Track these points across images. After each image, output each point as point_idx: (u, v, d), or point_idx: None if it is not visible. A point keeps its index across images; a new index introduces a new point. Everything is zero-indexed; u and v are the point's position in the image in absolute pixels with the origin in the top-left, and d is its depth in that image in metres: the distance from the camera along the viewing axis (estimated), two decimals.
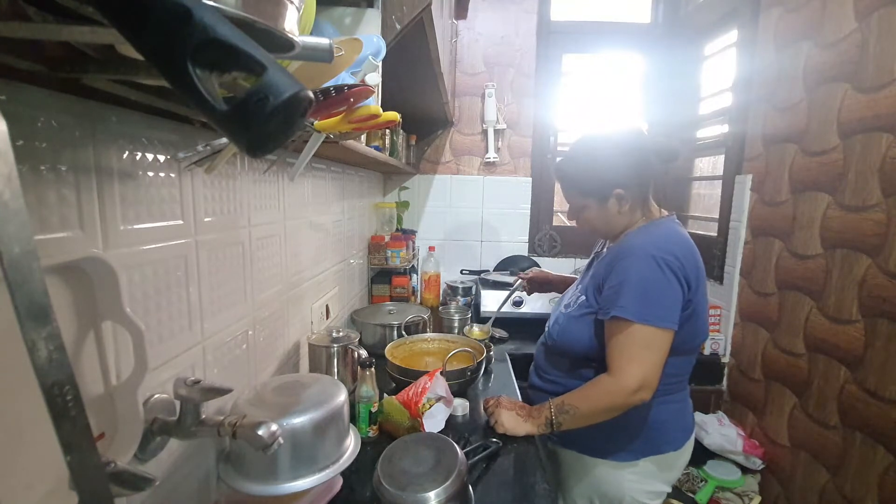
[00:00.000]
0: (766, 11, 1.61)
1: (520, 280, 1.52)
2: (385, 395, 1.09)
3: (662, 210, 1.09)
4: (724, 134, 1.88)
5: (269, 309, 0.97)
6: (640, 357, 0.91)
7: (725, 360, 1.77)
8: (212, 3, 0.25)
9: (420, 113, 1.86)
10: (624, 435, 1.02)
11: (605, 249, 1.14)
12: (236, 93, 0.37)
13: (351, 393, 0.88)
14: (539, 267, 2.27)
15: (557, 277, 1.47)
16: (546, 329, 1.18)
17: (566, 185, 1.08)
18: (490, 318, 1.59)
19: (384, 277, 1.95)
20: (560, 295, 1.36)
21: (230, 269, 0.81)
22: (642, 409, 0.98)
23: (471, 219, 2.34)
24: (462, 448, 0.79)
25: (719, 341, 1.76)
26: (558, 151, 2.33)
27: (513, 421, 1.02)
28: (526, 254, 2.35)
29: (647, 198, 1.06)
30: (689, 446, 1.09)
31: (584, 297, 1.05)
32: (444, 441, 0.80)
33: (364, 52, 0.66)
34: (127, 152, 0.56)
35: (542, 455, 1.00)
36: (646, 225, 1.04)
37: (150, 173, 0.60)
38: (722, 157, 1.87)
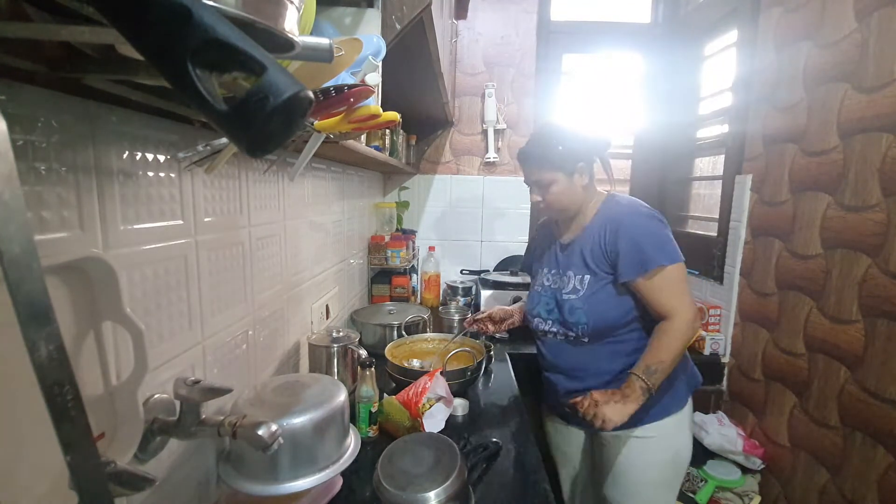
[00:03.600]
0: (766, 11, 1.61)
1: (471, 326, 1.38)
2: (385, 395, 1.09)
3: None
4: (724, 134, 1.88)
5: (269, 309, 0.97)
6: (684, 290, 1.06)
7: (725, 360, 1.77)
8: (212, 3, 0.25)
9: (420, 113, 1.86)
10: (679, 381, 1.13)
11: (564, 238, 1.21)
12: (236, 93, 0.37)
13: (351, 393, 0.88)
14: None
15: (514, 310, 1.39)
16: (552, 331, 1.17)
17: (535, 163, 1.14)
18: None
19: (384, 277, 1.95)
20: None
21: (230, 269, 0.81)
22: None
23: (471, 219, 2.34)
24: (462, 448, 0.79)
25: (719, 341, 1.76)
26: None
27: (618, 411, 1.01)
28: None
29: (594, 176, 1.19)
30: None
31: (589, 276, 1.11)
32: (444, 441, 0.80)
33: (364, 52, 0.66)
34: (127, 152, 0.56)
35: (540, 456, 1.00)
36: (609, 197, 1.19)
37: (150, 173, 0.60)
38: (722, 157, 1.87)
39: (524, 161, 1.17)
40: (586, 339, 1.12)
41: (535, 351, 1.26)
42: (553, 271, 1.21)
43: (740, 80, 1.74)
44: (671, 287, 1.04)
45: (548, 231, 1.31)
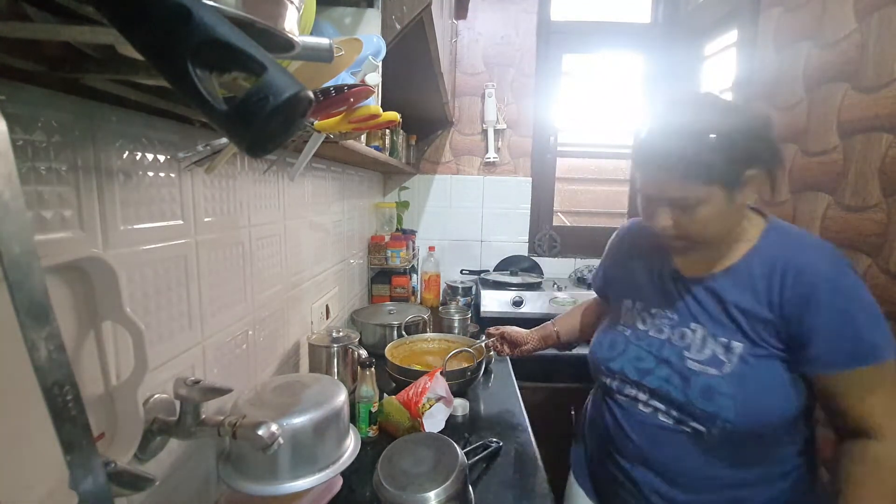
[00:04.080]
0: (766, 11, 1.61)
1: (490, 338, 1.22)
2: (385, 395, 1.09)
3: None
4: None
5: (269, 309, 0.97)
6: None
7: None
8: (212, 3, 0.25)
9: (420, 113, 1.86)
10: None
11: (687, 267, 0.82)
12: (236, 93, 0.37)
13: (351, 393, 0.88)
14: (539, 268, 2.28)
15: (530, 336, 1.17)
16: (650, 405, 0.79)
17: (672, 170, 0.69)
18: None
19: (384, 277, 1.95)
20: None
21: (230, 269, 0.81)
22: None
23: (471, 219, 2.34)
24: (462, 448, 0.79)
25: None
26: (559, 151, 2.32)
27: None
28: (526, 254, 2.35)
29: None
30: None
31: (743, 345, 0.73)
32: (444, 441, 0.80)
33: (364, 52, 0.66)
34: (127, 152, 0.56)
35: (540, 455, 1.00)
36: (773, 227, 0.77)
37: (150, 173, 0.60)
38: None
39: (652, 164, 0.72)
40: (730, 439, 0.73)
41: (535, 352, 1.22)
42: (655, 311, 0.83)
43: (740, 80, 1.74)
44: (887, 392, 0.69)
45: (647, 245, 0.89)
